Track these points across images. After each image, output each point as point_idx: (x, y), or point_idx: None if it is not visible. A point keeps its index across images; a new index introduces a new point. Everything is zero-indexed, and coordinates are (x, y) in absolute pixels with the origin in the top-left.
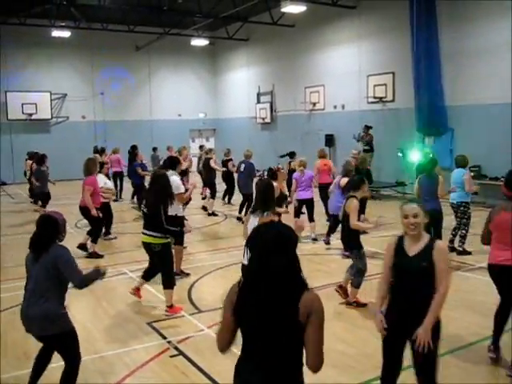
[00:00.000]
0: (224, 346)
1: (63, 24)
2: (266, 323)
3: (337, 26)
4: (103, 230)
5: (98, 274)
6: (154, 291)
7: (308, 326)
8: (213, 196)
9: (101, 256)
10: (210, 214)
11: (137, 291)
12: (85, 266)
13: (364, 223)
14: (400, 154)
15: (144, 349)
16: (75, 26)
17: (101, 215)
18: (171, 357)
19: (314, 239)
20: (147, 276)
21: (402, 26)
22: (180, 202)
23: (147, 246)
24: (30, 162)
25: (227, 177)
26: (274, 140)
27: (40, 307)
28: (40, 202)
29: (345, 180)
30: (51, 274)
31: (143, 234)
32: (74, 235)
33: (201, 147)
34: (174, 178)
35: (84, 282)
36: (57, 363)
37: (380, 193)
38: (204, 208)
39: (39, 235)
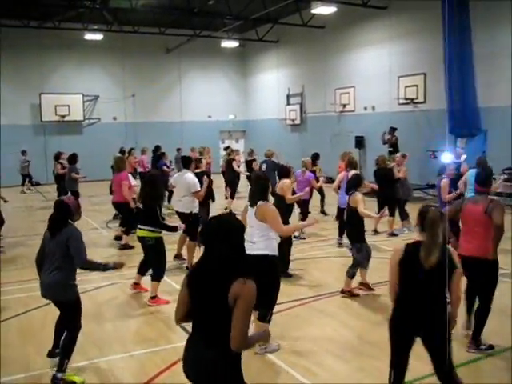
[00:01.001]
0: (178, 318)
1: (96, 27)
2: (203, 302)
3: (367, 26)
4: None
5: (102, 267)
6: None
7: (234, 310)
8: (232, 196)
9: (132, 247)
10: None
11: (137, 286)
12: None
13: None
14: (431, 156)
15: (173, 348)
16: (107, 29)
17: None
18: None
19: (303, 238)
20: (142, 270)
21: (434, 27)
22: (197, 199)
23: (142, 240)
24: (56, 161)
25: (251, 177)
26: (304, 141)
27: (53, 277)
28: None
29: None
30: (64, 250)
31: (138, 228)
32: (105, 234)
33: (226, 149)
34: (189, 176)
35: (85, 263)
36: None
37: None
38: (226, 209)
39: (54, 217)
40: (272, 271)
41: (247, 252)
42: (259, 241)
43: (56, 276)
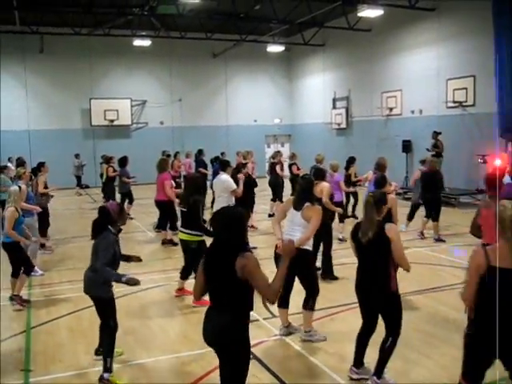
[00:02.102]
0: (197, 295)
1: (144, 33)
2: (215, 279)
3: (415, 29)
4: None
5: (119, 278)
6: None
7: (248, 278)
8: (274, 199)
9: (175, 244)
10: (270, 215)
11: (180, 291)
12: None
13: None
14: (481, 161)
15: None
16: (155, 35)
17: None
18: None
19: (341, 239)
20: (184, 275)
21: (484, 28)
22: (237, 196)
23: (184, 243)
24: (106, 165)
25: (292, 180)
26: (350, 146)
27: (91, 273)
28: (127, 201)
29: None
30: (98, 251)
31: (180, 231)
32: (151, 236)
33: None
34: (223, 177)
35: (104, 271)
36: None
37: (459, 200)
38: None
39: (95, 221)
40: (312, 264)
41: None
42: (299, 236)
43: (91, 273)
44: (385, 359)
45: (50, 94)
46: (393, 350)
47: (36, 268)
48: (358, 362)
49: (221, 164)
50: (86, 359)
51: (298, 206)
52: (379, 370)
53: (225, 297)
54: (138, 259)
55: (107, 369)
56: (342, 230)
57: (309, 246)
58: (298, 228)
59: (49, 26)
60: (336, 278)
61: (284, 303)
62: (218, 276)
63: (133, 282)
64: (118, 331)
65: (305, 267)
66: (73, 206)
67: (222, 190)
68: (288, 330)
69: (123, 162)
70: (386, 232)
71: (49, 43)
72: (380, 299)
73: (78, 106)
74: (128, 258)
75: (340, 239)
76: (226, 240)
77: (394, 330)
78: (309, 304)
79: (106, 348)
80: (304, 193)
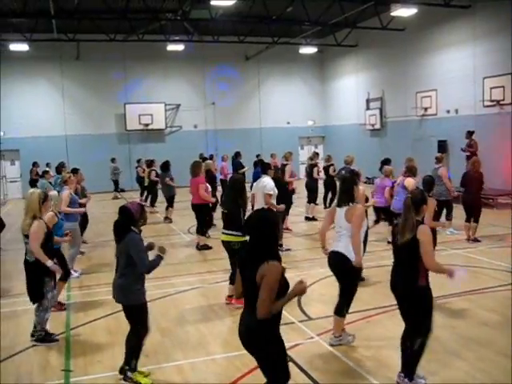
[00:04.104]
0: (237, 294)
1: (177, 38)
2: (245, 281)
3: (450, 27)
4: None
5: (160, 259)
6: None
7: (260, 286)
8: (310, 201)
9: (210, 247)
10: (308, 218)
11: (231, 299)
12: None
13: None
14: None
15: None
16: (188, 40)
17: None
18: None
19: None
20: (233, 280)
21: None
22: (266, 203)
23: (227, 245)
24: (148, 169)
25: (328, 182)
26: (384, 147)
27: (119, 280)
28: (166, 204)
29: (410, 180)
30: (125, 257)
31: (223, 233)
32: (187, 240)
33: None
34: (265, 180)
35: (148, 267)
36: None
37: (497, 201)
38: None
39: (116, 222)
40: (357, 274)
41: (334, 249)
42: (346, 241)
43: (120, 280)
44: (415, 360)
45: (86, 100)
46: (423, 351)
47: (73, 270)
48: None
49: (262, 167)
50: (123, 361)
51: (339, 203)
52: (410, 372)
53: (253, 298)
54: (151, 246)
55: (131, 368)
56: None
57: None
58: (344, 233)
59: (85, 33)
60: (363, 279)
61: (340, 311)
62: (247, 278)
63: (163, 252)
64: (155, 333)
65: (350, 278)
66: (109, 209)
67: (262, 193)
68: (338, 340)
69: (166, 166)
70: (417, 234)
71: (85, 50)
72: (407, 293)
73: (113, 111)
74: (150, 247)
75: (388, 241)
76: (256, 243)
77: (422, 330)
78: (343, 311)
79: (132, 349)
80: (344, 191)
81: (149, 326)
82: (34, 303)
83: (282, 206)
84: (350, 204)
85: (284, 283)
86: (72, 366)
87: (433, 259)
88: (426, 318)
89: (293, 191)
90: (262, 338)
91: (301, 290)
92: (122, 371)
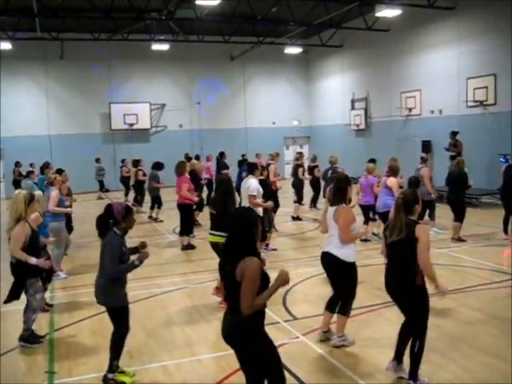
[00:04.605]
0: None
1: (162, 37)
2: (225, 279)
3: (434, 28)
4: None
5: (132, 267)
6: None
7: (241, 282)
8: (298, 201)
9: (194, 247)
10: (294, 218)
11: (218, 290)
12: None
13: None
14: (503, 160)
15: None
16: (173, 39)
17: (196, 199)
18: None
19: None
20: None
21: (505, 26)
22: (251, 204)
23: (215, 246)
24: (135, 169)
25: (314, 183)
26: (369, 147)
27: (100, 280)
28: (156, 205)
29: (392, 180)
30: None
31: (210, 234)
32: (171, 240)
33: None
34: (250, 181)
35: (113, 272)
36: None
37: (480, 200)
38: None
39: (98, 218)
40: (353, 274)
41: (325, 249)
42: (336, 242)
43: (101, 280)
44: (417, 362)
45: (70, 99)
46: (423, 351)
47: (59, 271)
48: (398, 357)
49: (249, 167)
50: (108, 362)
51: (332, 202)
52: (414, 374)
53: (234, 298)
54: (143, 245)
55: (112, 370)
56: (377, 229)
57: (348, 259)
58: (335, 232)
59: (68, 32)
60: None
61: (331, 307)
62: (227, 276)
63: (145, 257)
64: (140, 334)
65: (342, 277)
66: (94, 210)
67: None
68: (326, 335)
69: (158, 166)
70: (416, 232)
71: (69, 49)
72: (404, 293)
73: (98, 111)
74: (135, 250)
75: (374, 234)
76: (234, 240)
77: (418, 330)
78: (347, 310)
79: (113, 350)
80: (338, 191)
81: (129, 328)
82: (5, 303)
83: (270, 203)
84: (341, 204)
85: (264, 278)
86: (56, 368)
87: (428, 259)
88: (423, 318)
89: (276, 190)
90: (246, 336)
91: (284, 280)
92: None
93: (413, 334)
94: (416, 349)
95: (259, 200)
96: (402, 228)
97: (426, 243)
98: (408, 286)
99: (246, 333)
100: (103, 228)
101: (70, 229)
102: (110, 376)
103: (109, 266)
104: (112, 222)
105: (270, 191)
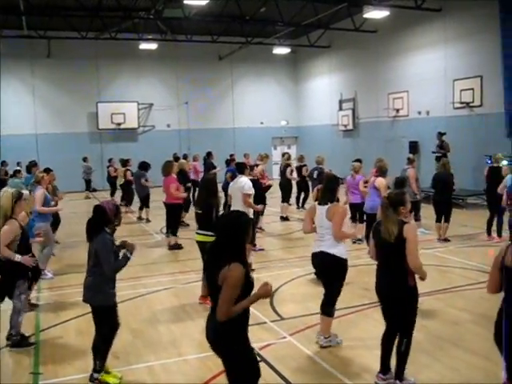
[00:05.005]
0: (205, 293)
1: (150, 37)
2: (209, 282)
3: (421, 29)
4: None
5: (125, 260)
6: None
7: (221, 287)
8: (284, 200)
9: (181, 247)
10: (282, 218)
11: (204, 299)
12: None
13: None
14: (489, 161)
15: None
16: (161, 39)
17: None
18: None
19: (359, 240)
20: None
21: (491, 28)
22: (244, 204)
23: (201, 245)
24: (123, 168)
25: (300, 182)
26: (357, 147)
27: (88, 280)
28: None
29: (380, 180)
30: (95, 255)
31: (197, 233)
32: (158, 239)
33: (283, 154)
34: (243, 179)
35: (113, 269)
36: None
37: (466, 201)
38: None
39: (90, 221)
40: (344, 272)
41: (316, 249)
42: (329, 239)
43: (90, 280)
44: (403, 361)
45: (57, 98)
46: (409, 350)
47: (46, 271)
48: (385, 367)
49: (238, 167)
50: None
51: (322, 201)
52: (400, 374)
53: (216, 300)
54: (125, 243)
55: (97, 370)
56: (361, 231)
57: (343, 256)
58: (326, 231)
59: (56, 31)
60: None
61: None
62: (211, 279)
63: (133, 249)
64: (126, 334)
65: (337, 275)
66: (81, 209)
67: (240, 193)
68: (328, 340)
69: (144, 166)
70: (404, 232)
71: (56, 48)
72: (396, 294)
73: (85, 110)
74: (122, 247)
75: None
76: (222, 245)
77: (407, 330)
78: (331, 310)
79: (95, 351)
80: (328, 190)
81: (118, 326)
82: None
83: (261, 207)
84: (332, 203)
85: (247, 285)
86: (41, 369)
87: (418, 258)
88: (412, 317)
89: (268, 188)
90: (228, 339)
91: (265, 292)
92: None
93: (400, 333)
94: (403, 348)
95: (251, 200)
96: (389, 228)
97: (414, 243)
98: (400, 287)
99: (227, 336)
100: (94, 231)
101: (55, 229)
102: (96, 375)
103: (107, 263)
104: (103, 222)
105: (260, 191)
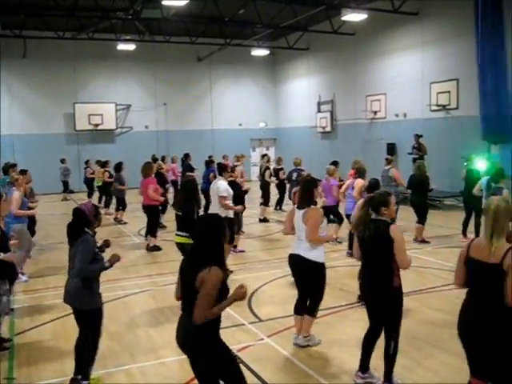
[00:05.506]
0: (177, 297)
1: (128, 37)
2: (183, 285)
3: (398, 33)
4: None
5: (103, 267)
6: None
7: (199, 289)
8: (265, 203)
9: (160, 248)
10: (261, 220)
11: None
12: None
13: None
14: (465, 164)
15: None
16: (139, 39)
17: (162, 199)
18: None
19: (339, 242)
20: None
21: (467, 32)
22: (221, 205)
23: (181, 247)
24: (102, 169)
25: (279, 185)
26: (335, 149)
27: (71, 284)
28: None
29: (359, 181)
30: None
31: (177, 235)
32: (136, 242)
33: (263, 156)
34: (220, 182)
35: (87, 271)
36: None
37: (443, 202)
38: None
39: (70, 224)
40: (323, 276)
41: (294, 251)
42: (306, 243)
43: (73, 283)
44: (392, 364)
45: (33, 99)
46: (397, 352)
47: (20, 274)
48: (364, 366)
49: (218, 168)
50: (70, 366)
51: (299, 205)
52: (389, 376)
53: (191, 303)
54: (107, 243)
55: (84, 376)
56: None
57: (318, 259)
58: (303, 234)
59: (31, 30)
60: None
61: (299, 311)
62: (186, 281)
63: (115, 260)
64: (103, 337)
65: (314, 279)
66: (58, 211)
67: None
68: (307, 340)
69: (119, 167)
70: (390, 232)
71: (32, 48)
72: (381, 295)
73: (62, 111)
74: (100, 249)
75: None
76: (200, 247)
77: (393, 331)
78: (314, 310)
79: (81, 356)
80: (305, 193)
81: (101, 331)
82: None
83: (240, 207)
84: (309, 207)
85: (223, 288)
86: (16, 374)
87: (407, 257)
88: (398, 319)
89: (245, 192)
90: (201, 342)
91: (241, 294)
92: (72, 382)
93: (387, 335)
94: (391, 350)
95: (229, 202)
96: (367, 225)
97: (402, 242)
98: (385, 287)
99: (201, 339)
100: (76, 234)
101: (32, 232)
102: (85, 383)
103: (79, 265)
104: (84, 224)
105: (239, 193)
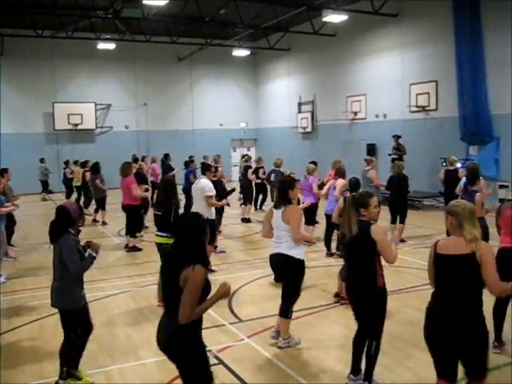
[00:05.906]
0: (159, 298)
1: (108, 36)
2: (165, 284)
3: (379, 34)
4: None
5: (91, 260)
6: None
7: (183, 289)
8: (245, 202)
9: (140, 249)
10: (243, 220)
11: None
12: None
13: None
14: (443, 164)
15: None
16: (119, 39)
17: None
18: (211, 366)
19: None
20: None
21: (446, 34)
22: (208, 205)
23: (160, 247)
24: (82, 169)
25: (259, 184)
26: (315, 150)
27: (55, 283)
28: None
29: (340, 181)
30: (60, 257)
31: (156, 235)
32: (116, 242)
33: (243, 156)
34: (203, 181)
35: (79, 270)
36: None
37: (422, 203)
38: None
39: (52, 223)
40: (302, 274)
41: (275, 251)
42: (287, 241)
43: (57, 283)
44: (373, 364)
45: (12, 98)
46: (379, 352)
47: None
48: (356, 368)
49: (202, 168)
50: (49, 368)
51: (276, 204)
52: (370, 375)
53: (174, 303)
54: (89, 245)
55: (62, 377)
56: (311, 233)
57: (301, 257)
58: (283, 234)
59: (9, 28)
60: None
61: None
62: (169, 281)
63: (97, 247)
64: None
65: (295, 277)
66: (37, 211)
67: (201, 195)
68: (287, 342)
69: (96, 167)
70: (372, 234)
71: (10, 45)
72: (366, 295)
73: (41, 110)
74: (87, 247)
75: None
76: (182, 247)
77: (376, 332)
78: (289, 312)
79: (61, 356)
80: (282, 193)
81: (92, 327)
82: None
83: (225, 201)
84: (287, 206)
85: (206, 287)
86: None
87: (393, 253)
88: (381, 319)
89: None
90: (183, 343)
91: (224, 292)
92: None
93: (370, 335)
94: (373, 350)
95: (213, 200)
96: (351, 227)
97: (386, 241)
98: (371, 288)
99: (182, 340)
100: (58, 232)
101: (11, 232)
102: (61, 382)
103: (73, 266)
104: (67, 223)
105: (222, 192)
